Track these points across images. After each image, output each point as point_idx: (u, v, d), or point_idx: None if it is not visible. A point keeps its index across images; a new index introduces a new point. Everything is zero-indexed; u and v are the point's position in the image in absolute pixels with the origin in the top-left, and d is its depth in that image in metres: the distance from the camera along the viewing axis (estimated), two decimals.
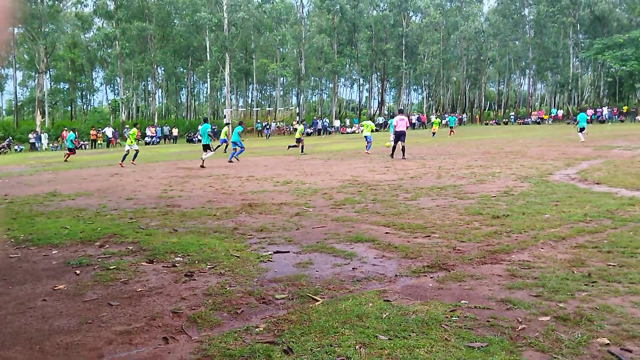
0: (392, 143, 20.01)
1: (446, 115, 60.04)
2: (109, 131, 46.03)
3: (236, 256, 5.91)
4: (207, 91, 68.65)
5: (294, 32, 62.28)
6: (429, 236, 6.61)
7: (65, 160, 25.65)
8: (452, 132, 39.55)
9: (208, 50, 56.58)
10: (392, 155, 19.79)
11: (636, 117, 51.92)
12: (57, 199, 11.34)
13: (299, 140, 25.12)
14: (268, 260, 5.78)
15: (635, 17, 60.06)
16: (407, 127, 20.25)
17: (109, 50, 57.17)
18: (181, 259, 5.89)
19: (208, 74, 59.50)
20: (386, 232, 6.93)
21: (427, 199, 9.58)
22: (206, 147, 19.80)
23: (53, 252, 6.47)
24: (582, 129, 25.71)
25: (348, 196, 10.27)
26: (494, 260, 5.46)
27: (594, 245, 5.79)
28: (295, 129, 52.91)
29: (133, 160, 21.28)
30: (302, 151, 24.72)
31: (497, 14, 68.51)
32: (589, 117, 52.85)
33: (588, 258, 5.34)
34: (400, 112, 22.39)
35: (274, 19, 58.58)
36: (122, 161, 20.84)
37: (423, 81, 72.60)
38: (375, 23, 65.33)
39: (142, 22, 51.83)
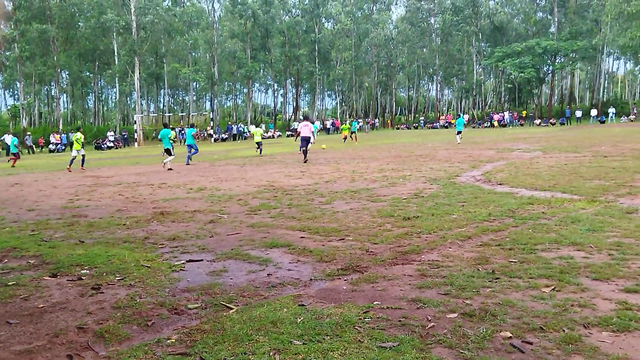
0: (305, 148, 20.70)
1: (359, 121, 61.31)
2: (8, 138, 43.13)
3: (147, 266, 5.72)
4: (116, 96, 66.23)
5: (205, 36, 61.38)
6: (343, 239, 6.70)
7: (13, 166, 25.09)
8: (352, 137, 36.19)
9: (116, 54, 54.51)
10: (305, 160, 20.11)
11: (534, 121, 55.30)
12: None
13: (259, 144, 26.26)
14: (180, 269, 5.65)
15: (531, 27, 64.03)
16: (311, 133, 21.25)
17: (7, 53, 53.78)
18: (88, 271, 5.63)
19: (116, 78, 57.35)
20: (301, 237, 6.95)
21: (342, 203, 9.71)
22: (167, 151, 20.17)
23: None
24: (459, 132, 28.99)
25: (264, 202, 10.23)
26: (405, 260, 5.62)
27: (497, 243, 6.10)
28: (211, 135, 52.19)
29: (82, 165, 21.40)
30: (260, 153, 25.44)
31: (405, 21, 70.84)
32: (495, 122, 56.10)
33: (492, 255, 5.61)
34: (306, 118, 23.04)
35: (185, 23, 57.41)
36: (69, 166, 20.91)
37: (336, 87, 73.76)
38: (288, 29, 65.64)
39: (42, 23, 49.10)
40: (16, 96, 67.03)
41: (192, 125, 25.60)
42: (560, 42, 55.81)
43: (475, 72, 66.72)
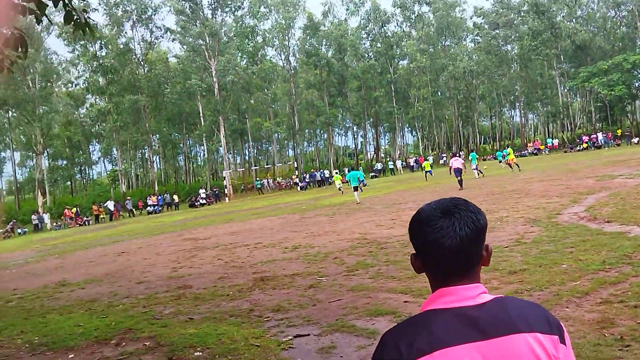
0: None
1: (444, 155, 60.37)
2: (110, 204, 46.04)
3: (256, 345, 5.78)
4: (204, 154, 69.32)
5: (283, 88, 63.36)
6: None
7: None
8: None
9: (201, 115, 57.28)
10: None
11: (632, 140, 52.15)
12: (66, 289, 11.22)
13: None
14: (289, 347, 5.66)
15: (617, 43, 61.23)
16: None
17: (103, 124, 57.88)
18: (201, 353, 5.76)
19: (204, 138, 60.08)
20: (405, 301, 6.80)
21: None
22: (355, 189, 24.79)
23: (69, 356, 6.33)
24: (476, 168, 31.24)
25: (360, 259, 10.17)
26: None
27: (619, 299, 5.65)
28: (297, 183, 53.12)
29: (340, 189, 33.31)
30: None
31: (481, 51, 69.45)
32: (584, 144, 53.47)
33: (616, 316, 5.20)
34: (455, 155, 29.80)
35: (263, 78, 59.60)
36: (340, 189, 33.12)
37: (416, 123, 73.24)
38: (362, 73, 66.44)
39: (133, 94, 52.49)
40: (114, 162, 71.73)
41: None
42: None
43: (560, 94, 64.26)
